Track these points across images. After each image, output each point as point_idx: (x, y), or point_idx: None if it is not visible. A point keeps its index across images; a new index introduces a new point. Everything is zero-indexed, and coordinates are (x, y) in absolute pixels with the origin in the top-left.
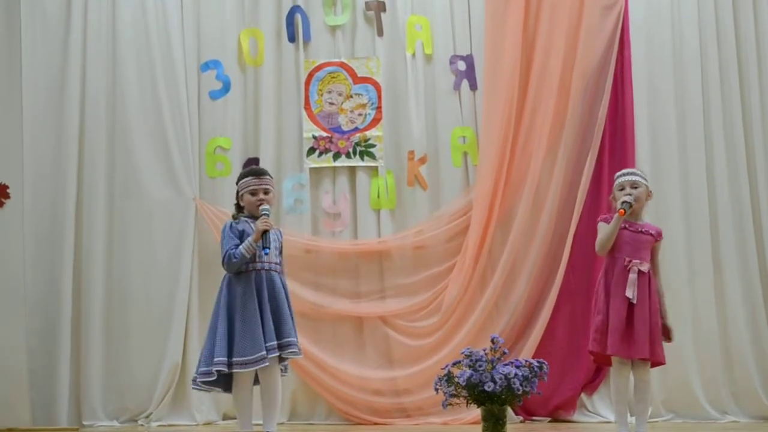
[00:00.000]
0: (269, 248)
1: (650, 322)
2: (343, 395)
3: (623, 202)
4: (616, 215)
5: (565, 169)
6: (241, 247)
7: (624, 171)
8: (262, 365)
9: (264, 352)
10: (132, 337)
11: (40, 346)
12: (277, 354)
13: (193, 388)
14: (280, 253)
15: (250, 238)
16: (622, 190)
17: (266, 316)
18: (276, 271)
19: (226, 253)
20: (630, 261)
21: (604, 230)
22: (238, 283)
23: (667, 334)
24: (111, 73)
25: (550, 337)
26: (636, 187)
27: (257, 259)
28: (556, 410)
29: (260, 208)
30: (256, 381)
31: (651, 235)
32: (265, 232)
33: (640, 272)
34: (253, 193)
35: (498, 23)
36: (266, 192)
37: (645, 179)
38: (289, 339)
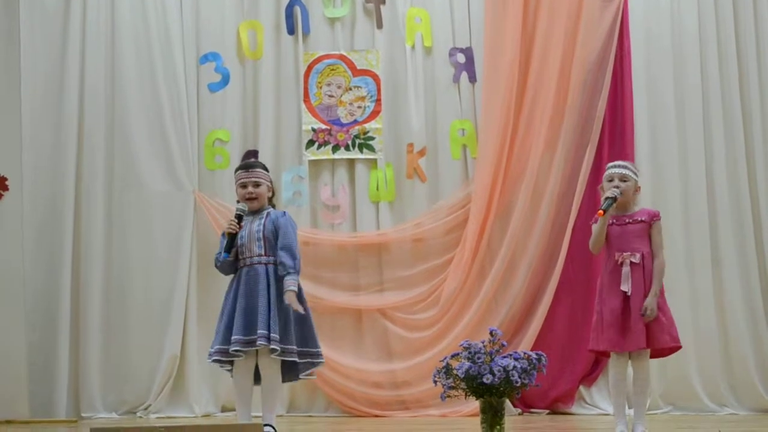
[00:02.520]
0: (228, 253)
1: None
2: (342, 387)
3: (605, 199)
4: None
5: (564, 161)
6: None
7: (615, 163)
8: (218, 358)
9: (227, 346)
10: (131, 330)
11: (39, 339)
12: (241, 349)
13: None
14: (276, 242)
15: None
16: (611, 181)
17: (238, 311)
18: (261, 263)
19: (214, 258)
20: (620, 255)
21: (593, 230)
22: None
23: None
24: (110, 65)
25: (548, 329)
26: (625, 180)
27: (240, 256)
28: (555, 403)
29: (237, 206)
30: (257, 378)
31: (641, 221)
32: (232, 235)
33: (632, 264)
34: (243, 186)
35: (497, 15)
36: (256, 185)
37: (635, 173)
38: (260, 331)
